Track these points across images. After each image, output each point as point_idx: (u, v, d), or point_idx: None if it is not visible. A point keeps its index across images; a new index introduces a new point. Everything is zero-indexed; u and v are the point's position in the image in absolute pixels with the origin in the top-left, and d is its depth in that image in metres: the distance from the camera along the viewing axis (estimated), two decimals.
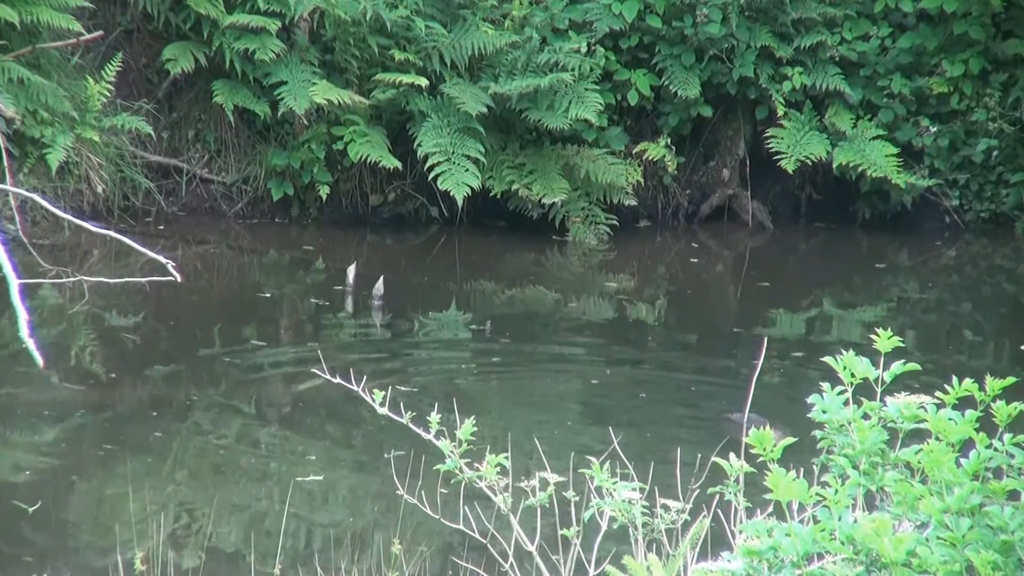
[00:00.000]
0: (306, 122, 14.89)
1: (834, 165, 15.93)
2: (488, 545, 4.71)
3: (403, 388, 10.20)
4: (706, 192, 16.73)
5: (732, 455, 4.13)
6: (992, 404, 3.78)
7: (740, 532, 3.64)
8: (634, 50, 16.16)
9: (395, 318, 12.51)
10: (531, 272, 14.86)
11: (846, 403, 3.83)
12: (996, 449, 3.66)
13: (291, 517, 7.73)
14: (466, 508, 4.75)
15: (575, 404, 10.61)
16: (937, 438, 3.66)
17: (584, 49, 15.48)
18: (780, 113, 16.02)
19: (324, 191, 15.06)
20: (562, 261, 15.19)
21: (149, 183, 14.98)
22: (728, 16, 15.85)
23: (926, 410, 3.74)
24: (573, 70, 15.15)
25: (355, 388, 4.70)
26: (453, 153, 14.75)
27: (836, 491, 3.57)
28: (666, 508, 4.39)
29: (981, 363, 11.82)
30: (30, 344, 4.57)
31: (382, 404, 4.51)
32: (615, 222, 15.62)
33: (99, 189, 14.39)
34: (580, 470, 4.46)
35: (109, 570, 6.43)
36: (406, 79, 14.75)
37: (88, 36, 14.25)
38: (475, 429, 4.40)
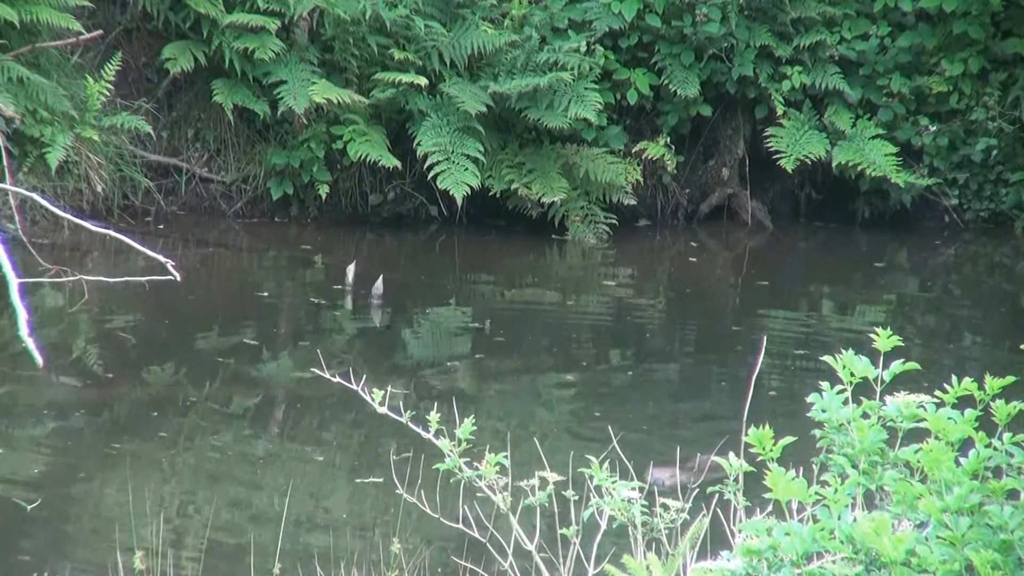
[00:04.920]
0: (305, 121, 14.89)
1: (833, 164, 15.93)
2: (487, 544, 4.71)
3: (402, 387, 10.20)
4: (705, 191, 16.73)
5: (731, 453, 4.13)
6: (991, 403, 3.78)
7: (739, 531, 3.65)
8: (633, 49, 16.16)
9: (394, 317, 12.51)
10: (530, 271, 14.87)
11: (845, 402, 3.84)
12: (995, 448, 3.66)
13: (291, 516, 7.73)
14: (465, 507, 4.75)
15: (574, 403, 10.61)
16: (936, 437, 3.66)
17: (583, 48, 15.47)
18: (779, 112, 16.02)
19: (323, 190, 15.06)
20: (561, 260, 15.19)
21: (149, 182, 14.98)
22: (727, 15, 15.85)
23: (925, 409, 3.75)
24: (572, 69, 15.14)
25: (354, 387, 4.70)
26: (452, 152, 14.75)
27: (835, 490, 3.58)
28: (665, 507, 4.39)
29: (980, 362, 11.82)
30: (30, 343, 4.57)
31: (381, 403, 4.51)
32: (614, 221, 15.62)
33: (99, 188, 14.39)
34: (579, 469, 4.47)
35: (109, 570, 6.43)
36: (405, 78, 14.75)
37: (87, 35, 14.25)
38: (474, 428, 4.40)
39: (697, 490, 4.83)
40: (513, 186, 15.18)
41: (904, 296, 14.70)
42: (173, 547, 7.32)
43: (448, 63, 15.21)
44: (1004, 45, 16.40)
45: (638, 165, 15.97)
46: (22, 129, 13.84)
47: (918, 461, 3.69)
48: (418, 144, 14.78)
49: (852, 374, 3.87)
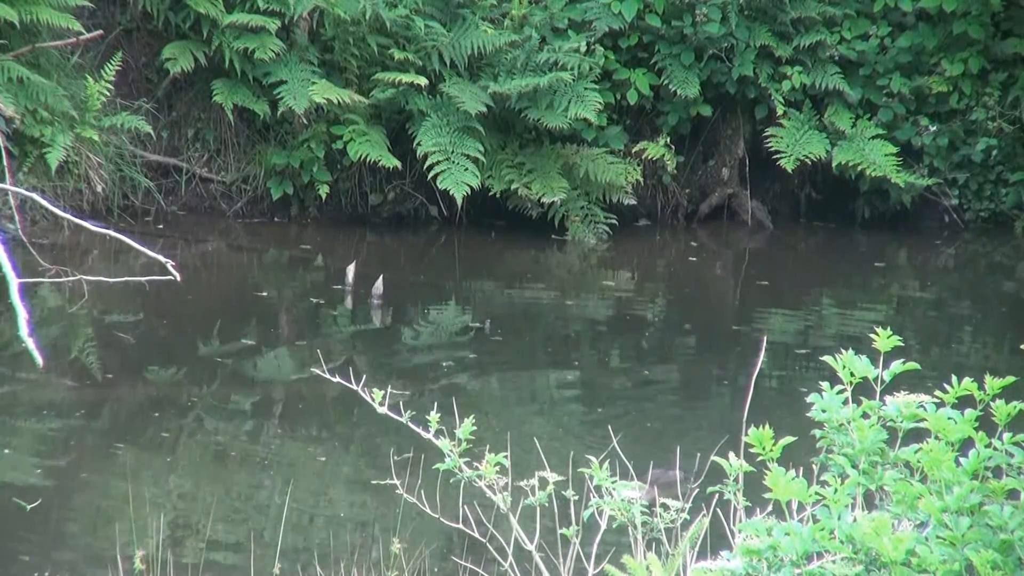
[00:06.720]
0: (305, 121, 14.89)
1: (833, 164, 15.93)
2: (487, 544, 4.71)
3: (402, 387, 10.20)
4: (705, 191, 16.73)
5: (731, 454, 4.13)
6: (991, 403, 3.78)
7: (739, 531, 3.65)
8: (633, 49, 16.16)
9: (394, 317, 12.51)
10: (530, 271, 14.87)
11: (845, 402, 3.84)
12: (995, 448, 3.66)
13: (291, 517, 7.73)
14: (465, 507, 4.75)
15: (574, 403, 10.61)
16: (936, 437, 3.66)
17: (583, 48, 15.47)
18: (779, 112, 16.02)
19: (323, 190, 15.06)
20: (561, 260, 15.19)
21: (149, 182, 14.98)
22: (727, 15, 15.85)
23: (925, 409, 3.74)
24: (572, 69, 15.14)
25: (354, 387, 4.70)
26: (452, 152, 14.75)
27: (835, 490, 3.58)
28: (665, 507, 4.39)
29: (980, 362, 11.82)
30: (30, 343, 4.57)
31: (381, 403, 4.51)
32: (614, 221, 15.62)
33: (99, 188, 14.39)
34: (579, 469, 4.47)
35: (109, 569, 6.44)
36: (405, 78, 14.75)
37: (88, 35, 14.25)
38: (474, 428, 4.40)
39: (695, 492, 4.83)
40: (513, 186, 15.18)
41: (904, 296, 14.70)
42: (173, 547, 7.32)
43: (448, 63, 15.21)
44: (1004, 45, 16.40)
45: (638, 165, 15.97)
46: (22, 129, 13.84)
47: (918, 461, 3.69)
48: (418, 144, 14.78)
49: (852, 374, 3.87)
